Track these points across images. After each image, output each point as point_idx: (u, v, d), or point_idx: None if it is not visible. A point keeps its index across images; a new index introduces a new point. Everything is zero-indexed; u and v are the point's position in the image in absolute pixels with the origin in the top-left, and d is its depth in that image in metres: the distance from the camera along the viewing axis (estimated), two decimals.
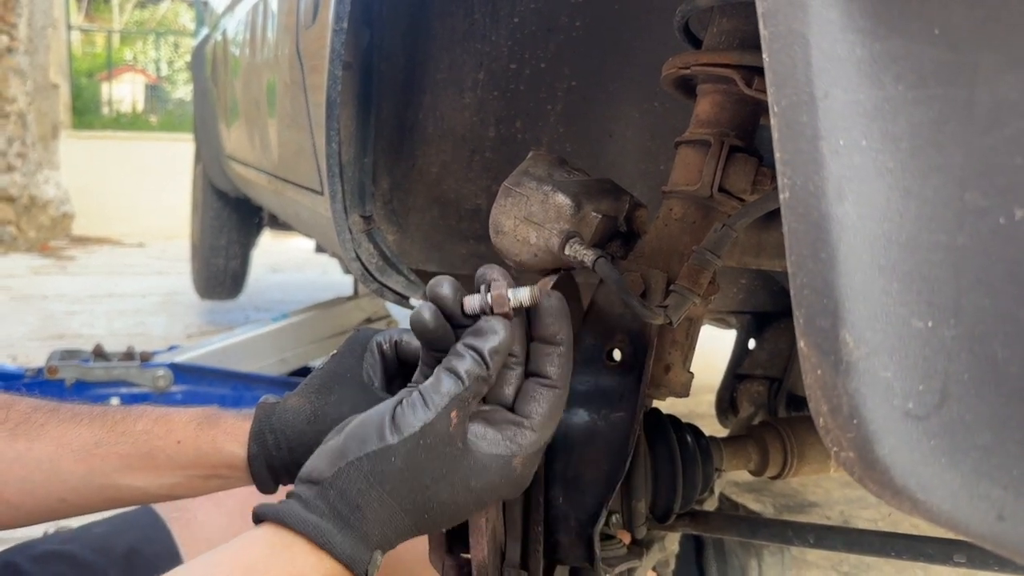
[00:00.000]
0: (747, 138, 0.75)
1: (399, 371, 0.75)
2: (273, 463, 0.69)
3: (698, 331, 0.79)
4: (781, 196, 0.36)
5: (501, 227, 0.75)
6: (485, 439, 0.59)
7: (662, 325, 0.72)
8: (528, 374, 0.63)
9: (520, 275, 0.78)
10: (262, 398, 0.74)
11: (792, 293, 0.37)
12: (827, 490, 2.21)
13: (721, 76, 0.73)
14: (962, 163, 0.31)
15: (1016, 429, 0.32)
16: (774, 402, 1.14)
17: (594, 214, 0.73)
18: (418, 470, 0.56)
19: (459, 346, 0.59)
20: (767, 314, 1.19)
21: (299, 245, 6.44)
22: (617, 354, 0.75)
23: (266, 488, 0.71)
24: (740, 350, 1.20)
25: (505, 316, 0.61)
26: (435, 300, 0.62)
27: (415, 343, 0.73)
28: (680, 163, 0.76)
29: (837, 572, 1.78)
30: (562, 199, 0.72)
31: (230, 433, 0.71)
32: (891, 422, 0.34)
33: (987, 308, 0.31)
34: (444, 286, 0.62)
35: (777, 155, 0.35)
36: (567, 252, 0.71)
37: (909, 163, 0.32)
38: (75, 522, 0.86)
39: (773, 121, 0.35)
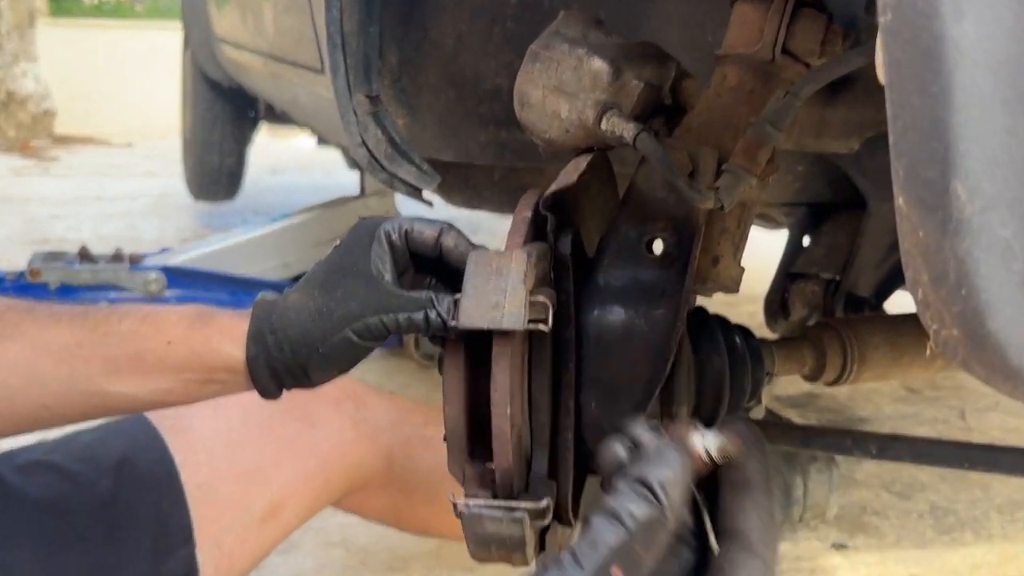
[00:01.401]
0: None
1: (411, 263, 0.73)
2: (275, 365, 0.68)
3: (751, 219, 0.76)
4: (881, 19, 0.32)
5: (528, 98, 0.72)
6: None
7: (712, 210, 0.69)
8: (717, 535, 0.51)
9: (551, 153, 0.75)
10: (259, 295, 0.72)
11: (892, 141, 0.33)
12: (878, 405, 2.21)
13: None
14: None
15: None
16: (831, 303, 1.12)
17: (635, 82, 0.69)
18: None
19: (620, 481, 0.49)
20: (825, 205, 1.16)
21: (300, 144, 6.38)
22: (659, 244, 0.73)
23: (268, 393, 0.70)
24: (793, 247, 1.18)
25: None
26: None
27: (428, 232, 0.70)
28: (737, 21, 0.72)
29: (889, 492, 1.79)
30: (599, 64, 0.68)
31: (226, 333, 0.69)
32: (1008, 290, 0.31)
33: None
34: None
35: None
36: (604, 126, 0.69)
37: None
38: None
39: None
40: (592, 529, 0.47)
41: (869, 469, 1.87)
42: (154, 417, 0.88)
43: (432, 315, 0.64)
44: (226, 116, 3.66)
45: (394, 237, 0.71)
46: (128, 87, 7.91)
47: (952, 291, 0.32)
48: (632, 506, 0.47)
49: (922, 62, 0.31)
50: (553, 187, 0.67)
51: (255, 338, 0.68)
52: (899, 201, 0.33)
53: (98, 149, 7.09)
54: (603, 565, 0.45)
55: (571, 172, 0.68)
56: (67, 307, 0.74)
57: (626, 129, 0.67)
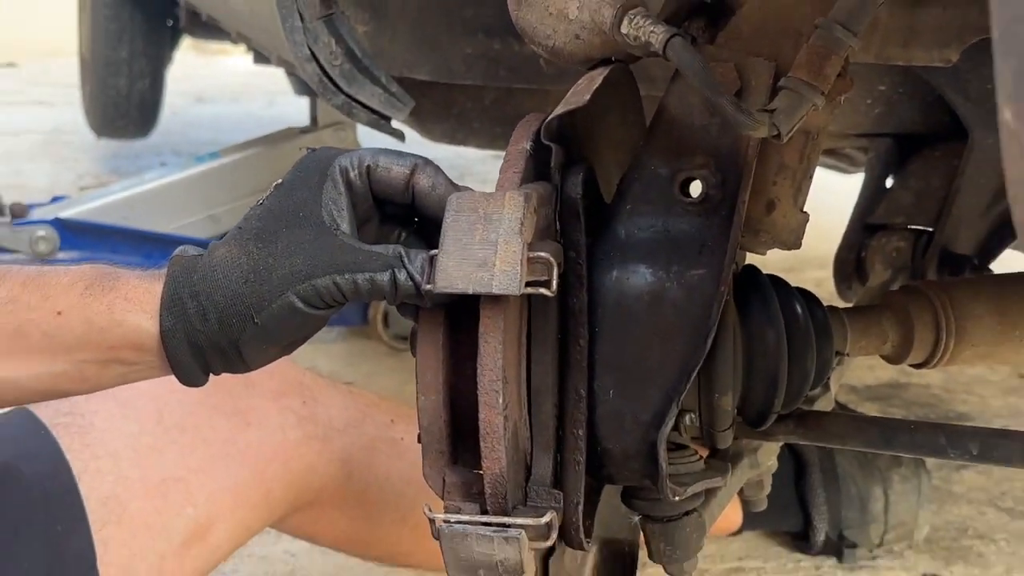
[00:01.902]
0: None
1: (375, 210, 0.72)
2: (197, 340, 0.67)
3: (818, 152, 0.76)
4: None
5: None
6: None
7: (766, 140, 0.69)
8: None
9: (556, 67, 0.75)
10: (177, 249, 0.72)
11: (996, 36, 0.33)
12: (983, 398, 2.22)
13: None
14: None
15: None
16: (921, 262, 1.11)
17: None
18: None
19: None
20: (914, 137, 1.15)
21: (234, 66, 6.35)
22: (697, 186, 0.73)
23: (190, 378, 0.70)
24: (873, 191, 1.17)
25: None
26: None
27: (397, 168, 0.70)
28: None
29: (997, 508, 1.80)
30: None
31: (133, 299, 0.69)
32: None
33: None
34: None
35: None
36: (624, 30, 0.68)
37: None
38: None
39: None
40: None
41: (971, 479, 1.88)
42: (43, 414, 0.88)
43: (401, 276, 0.64)
44: (136, 27, 3.64)
45: (352, 175, 0.70)
46: None
47: None
48: None
49: None
50: (559, 109, 0.67)
51: (171, 305, 0.67)
52: (1005, 115, 0.33)
53: None
54: None
55: (583, 90, 0.68)
56: None
57: (654, 33, 0.67)
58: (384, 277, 0.64)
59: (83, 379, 0.71)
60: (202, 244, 2.24)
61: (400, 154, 0.71)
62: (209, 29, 3.21)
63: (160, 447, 0.89)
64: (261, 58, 3.02)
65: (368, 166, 0.70)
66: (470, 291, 0.60)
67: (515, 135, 0.69)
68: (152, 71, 3.78)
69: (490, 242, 0.61)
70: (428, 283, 0.63)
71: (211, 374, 0.70)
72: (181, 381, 0.70)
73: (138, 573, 0.83)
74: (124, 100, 3.80)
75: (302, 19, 1.14)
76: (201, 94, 5.93)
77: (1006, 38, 0.33)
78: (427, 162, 0.70)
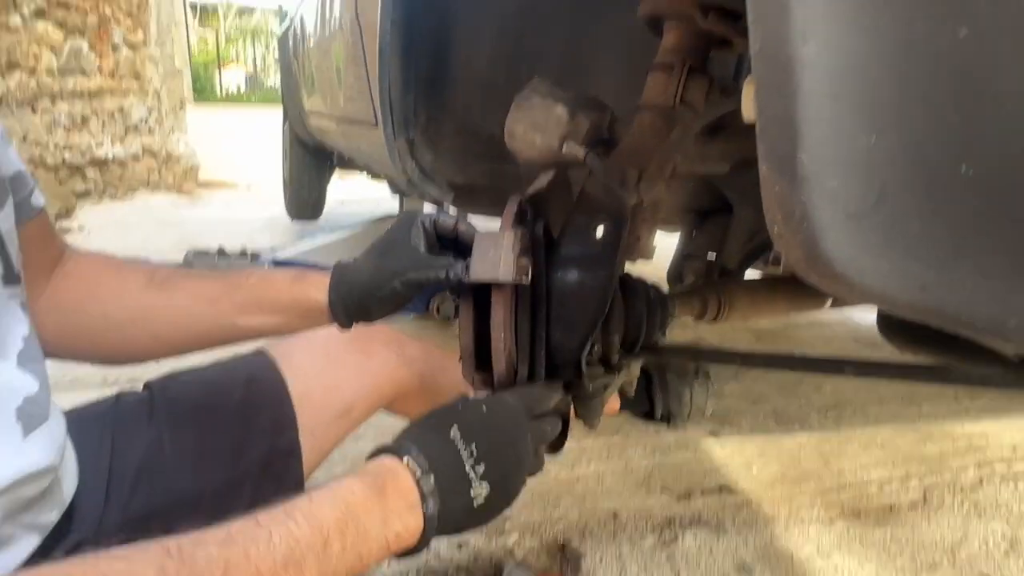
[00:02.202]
0: (702, 62, 0.69)
1: (436, 242, 0.71)
2: (347, 306, 0.66)
3: (661, 212, 0.75)
4: (752, 48, 0.31)
5: (514, 133, 0.71)
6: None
7: (635, 205, 0.68)
8: None
9: (527, 170, 0.74)
10: (337, 260, 0.70)
11: (758, 129, 0.32)
12: (736, 344, 2.21)
13: (683, 12, 0.67)
14: None
15: (940, 219, 0.28)
16: (710, 274, 1.11)
17: (584, 121, 0.68)
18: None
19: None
20: (706, 210, 1.15)
21: (360, 182, 6.31)
22: (600, 229, 0.71)
23: (342, 325, 0.68)
24: (687, 237, 1.17)
25: None
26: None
27: (449, 221, 0.69)
28: (651, 83, 0.71)
29: (745, 400, 1.80)
30: (561, 109, 0.67)
31: (315, 285, 0.68)
32: (834, 222, 0.30)
33: (926, 118, 0.27)
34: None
35: (750, 14, 0.30)
36: (564, 150, 0.67)
37: (866, 3, 0.27)
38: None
39: None
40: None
41: (732, 386, 1.88)
42: (270, 350, 0.86)
43: (451, 272, 0.63)
44: (312, 165, 3.61)
45: (426, 224, 0.69)
46: (246, 148, 7.82)
47: (797, 225, 0.31)
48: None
49: (780, 74, 0.30)
50: (530, 190, 0.66)
51: (334, 288, 0.66)
52: (763, 168, 0.32)
53: (228, 190, 6.96)
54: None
55: (543, 180, 0.67)
56: (210, 271, 0.73)
57: (579, 152, 0.66)
58: (442, 273, 0.63)
59: (290, 326, 0.70)
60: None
61: (451, 216, 0.70)
62: (348, 164, 3.19)
63: (326, 367, 0.87)
64: (375, 175, 3.01)
65: (434, 219, 0.69)
66: (487, 279, 0.59)
67: (508, 203, 0.67)
68: (319, 187, 3.76)
69: (498, 254, 0.60)
70: (465, 276, 0.62)
71: (353, 323, 0.69)
72: (338, 327, 0.68)
73: (316, 431, 0.81)
74: (305, 201, 3.78)
75: (399, 154, 1.13)
76: (342, 199, 5.87)
77: (764, 129, 0.32)
78: (465, 218, 0.69)
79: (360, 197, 6.22)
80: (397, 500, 0.47)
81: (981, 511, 1.31)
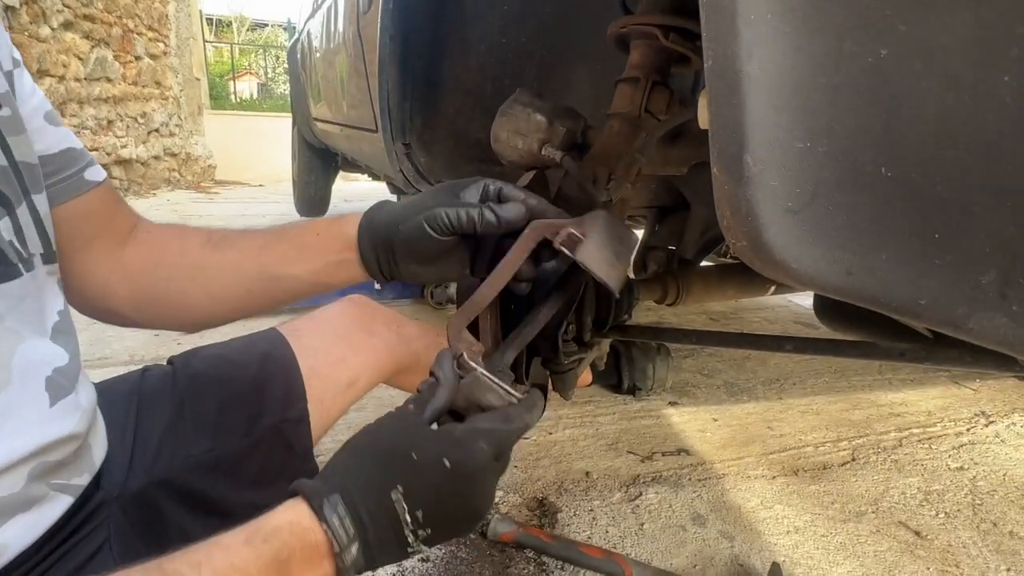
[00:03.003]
0: (664, 77, 0.70)
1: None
2: (373, 241, 0.57)
3: (628, 207, 0.75)
4: (706, 65, 0.32)
5: (498, 137, 0.70)
6: (442, 424, 0.45)
7: (605, 202, 0.68)
8: None
9: (511, 170, 0.74)
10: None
11: (711, 135, 0.33)
12: (694, 326, 2.23)
13: (647, 32, 0.67)
14: (842, 21, 0.27)
15: (863, 213, 0.29)
16: (671, 263, 1.12)
17: (561, 128, 0.68)
18: (379, 433, 0.43)
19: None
20: (667, 207, 1.16)
21: (362, 184, 6.26)
22: None
23: (372, 270, 0.59)
24: (649, 231, 1.17)
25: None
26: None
27: (512, 191, 0.57)
28: (619, 95, 0.71)
29: (701, 374, 1.82)
30: (540, 117, 0.67)
31: (350, 221, 0.61)
32: (775, 216, 0.31)
33: (852, 127, 0.28)
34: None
35: (704, 34, 0.31)
36: (543, 153, 0.67)
37: (802, 26, 0.28)
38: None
39: (701, 9, 0.31)
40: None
41: (689, 361, 1.90)
42: (283, 329, 0.86)
43: (488, 214, 0.51)
44: (318, 165, 3.55)
45: (491, 186, 0.56)
46: (259, 151, 7.69)
47: (743, 219, 0.32)
48: (427, 386, 0.47)
49: (729, 87, 0.30)
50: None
51: (364, 218, 0.59)
52: (715, 170, 0.33)
53: (243, 188, 6.87)
54: (405, 403, 0.44)
55: (524, 180, 0.67)
56: (259, 228, 0.67)
57: (556, 155, 0.66)
58: (474, 214, 0.51)
59: (328, 274, 0.61)
60: None
61: (520, 189, 0.57)
62: (351, 165, 3.15)
63: (334, 344, 0.86)
64: (375, 176, 2.98)
65: (501, 186, 0.57)
66: (595, 274, 0.49)
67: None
68: (325, 186, 3.69)
69: (616, 257, 0.51)
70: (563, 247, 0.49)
71: (383, 273, 0.58)
72: (367, 271, 0.58)
73: (324, 400, 0.80)
74: (313, 198, 3.71)
75: (396, 156, 1.12)
76: (346, 197, 5.82)
77: (716, 135, 0.33)
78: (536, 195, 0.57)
79: (362, 194, 6.19)
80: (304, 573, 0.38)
81: (900, 467, 1.35)
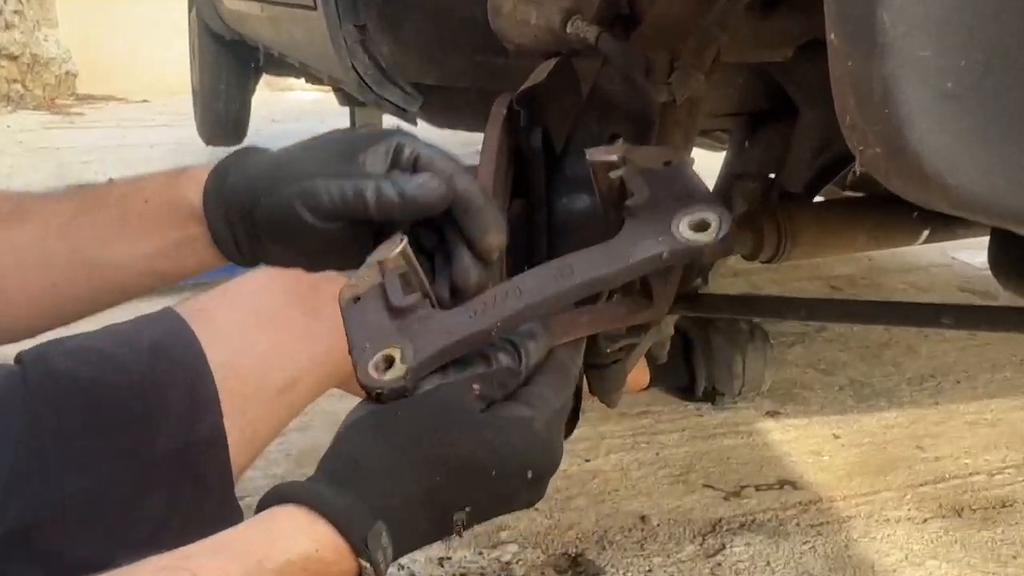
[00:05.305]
0: None
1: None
2: (229, 209, 0.56)
3: (699, 112, 0.74)
4: None
5: (500, 8, 0.70)
6: (504, 408, 0.47)
7: (665, 104, 0.67)
8: None
9: (519, 59, 0.73)
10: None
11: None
12: None
13: None
14: None
15: None
16: (768, 198, 1.11)
17: None
18: (430, 428, 0.45)
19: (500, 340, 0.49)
20: (761, 113, 1.14)
21: (297, 97, 6.24)
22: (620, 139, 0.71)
23: (228, 250, 0.58)
24: (736, 151, 1.16)
25: None
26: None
27: (440, 162, 0.56)
28: None
29: (815, 369, 1.82)
30: None
31: (195, 178, 0.58)
32: (925, 104, 0.30)
33: None
34: None
35: None
36: (569, 30, 0.66)
37: None
38: None
39: None
40: (462, 359, 0.47)
41: (797, 351, 1.90)
42: (181, 309, 0.87)
43: (388, 189, 0.51)
44: (230, 66, 3.54)
45: (406, 147, 0.56)
46: (142, 49, 7.66)
47: (876, 110, 0.31)
48: (501, 355, 0.47)
49: None
50: (525, 85, 0.65)
51: (215, 173, 0.57)
52: (832, 37, 0.32)
53: (118, 106, 6.89)
54: (467, 378, 0.46)
55: (540, 72, 0.67)
56: (75, 187, 0.66)
57: (589, 32, 0.65)
58: (370, 187, 0.51)
59: (168, 259, 0.61)
60: None
61: (454, 158, 0.57)
62: (279, 66, 3.13)
63: (259, 329, 0.87)
64: (315, 80, 2.96)
65: (420, 150, 0.56)
66: None
67: (495, 104, 0.67)
68: (241, 98, 3.70)
69: None
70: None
71: (243, 254, 0.59)
72: (223, 253, 0.59)
73: (248, 411, 0.81)
74: (223, 117, 3.72)
75: (346, 43, 1.11)
76: (274, 116, 5.80)
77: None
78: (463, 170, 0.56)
79: (298, 111, 6.16)
80: None
81: None
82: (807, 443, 1.52)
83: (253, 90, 3.79)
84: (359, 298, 0.50)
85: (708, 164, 1.76)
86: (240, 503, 0.82)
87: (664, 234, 0.47)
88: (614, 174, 0.53)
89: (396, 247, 0.50)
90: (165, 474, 0.75)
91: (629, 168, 0.53)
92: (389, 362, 0.46)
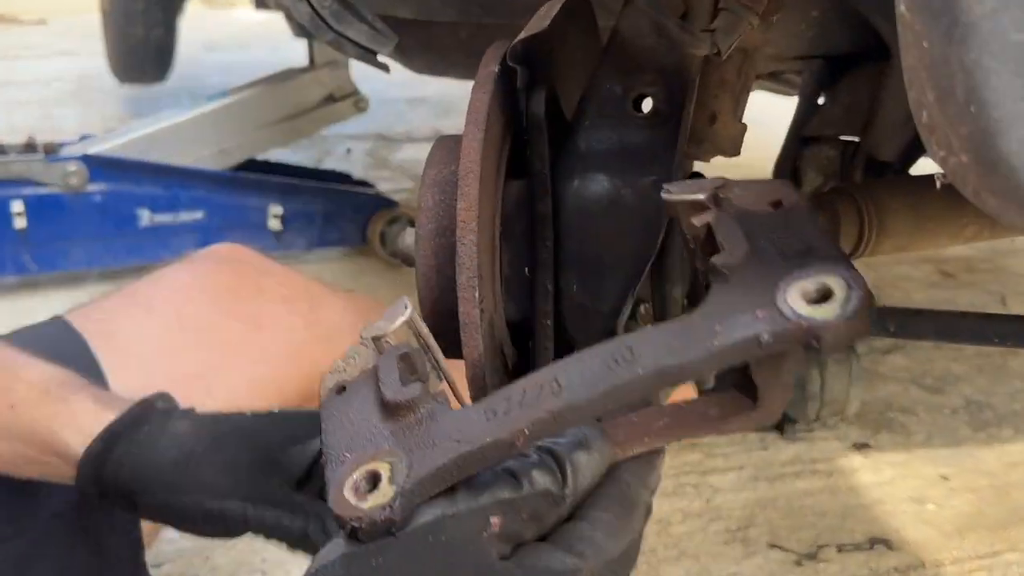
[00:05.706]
0: None
1: None
2: (104, 486, 0.65)
3: (754, 69, 0.75)
4: None
5: None
6: (536, 554, 0.45)
7: (708, 58, 0.68)
8: None
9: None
10: (156, 394, 0.70)
11: None
12: (906, 292, 2.22)
13: None
14: None
15: None
16: (849, 169, 1.10)
17: None
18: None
19: (534, 449, 0.47)
20: (843, 57, 1.13)
21: (240, 16, 6.22)
22: (647, 101, 0.71)
23: (88, 500, 0.70)
24: (807, 107, 1.15)
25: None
26: None
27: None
28: None
29: (918, 386, 1.82)
30: None
31: (77, 420, 0.68)
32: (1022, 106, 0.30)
33: None
34: None
35: None
36: None
37: None
38: None
39: None
40: (479, 478, 0.45)
41: (896, 361, 1.90)
42: (77, 320, 0.87)
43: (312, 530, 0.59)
44: None
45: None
46: None
47: (960, 109, 0.31)
48: (535, 472, 0.45)
49: None
50: (523, 34, 0.65)
51: (98, 454, 0.65)
52: (900, 8, 0.32)
53: (6, 28, 6.89)
54: (483, 507, 0.43)
55: (543, 16, 0.66)
56: None
57: None
58: (293, 527, 0.60)
59: (11, 465, 0.71)
60: (218, 178, 2.19)
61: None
62: None
63: (181, 347, 0.88)
64: (262, 4, 2.96)
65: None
66: None
67: (485, 58, 0.67)
68: (166, 20, 3.68)
69: None
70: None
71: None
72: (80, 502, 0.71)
73: None
74: (142, 48, 3.71)
75: None
76: (212, 43, 5.80)
77: None
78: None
79: (244, 36, 6.12)
80: None
81: None
82: (906, 487, 1.52)
83: (181, 10, 3.78)
84: (344, 387, 0.49)
85: (772, 114, 1.75)
86: (154, 572, 0.84)
87: (766, 307, 0.43)
88: (699, 220, 0.50)
89: (399, 317, 0.49)
90: (56, 539, 0.76)
91: (722, 211, 0.49)
92: (374, 481, 0.43)
